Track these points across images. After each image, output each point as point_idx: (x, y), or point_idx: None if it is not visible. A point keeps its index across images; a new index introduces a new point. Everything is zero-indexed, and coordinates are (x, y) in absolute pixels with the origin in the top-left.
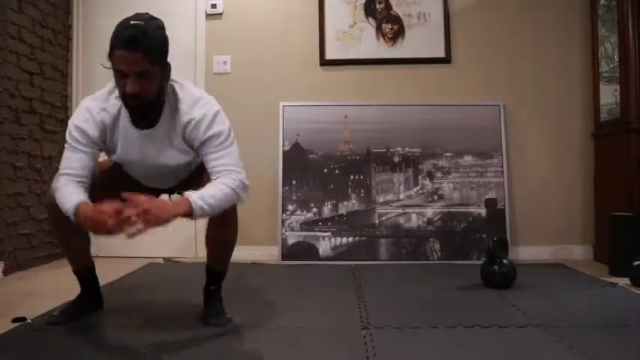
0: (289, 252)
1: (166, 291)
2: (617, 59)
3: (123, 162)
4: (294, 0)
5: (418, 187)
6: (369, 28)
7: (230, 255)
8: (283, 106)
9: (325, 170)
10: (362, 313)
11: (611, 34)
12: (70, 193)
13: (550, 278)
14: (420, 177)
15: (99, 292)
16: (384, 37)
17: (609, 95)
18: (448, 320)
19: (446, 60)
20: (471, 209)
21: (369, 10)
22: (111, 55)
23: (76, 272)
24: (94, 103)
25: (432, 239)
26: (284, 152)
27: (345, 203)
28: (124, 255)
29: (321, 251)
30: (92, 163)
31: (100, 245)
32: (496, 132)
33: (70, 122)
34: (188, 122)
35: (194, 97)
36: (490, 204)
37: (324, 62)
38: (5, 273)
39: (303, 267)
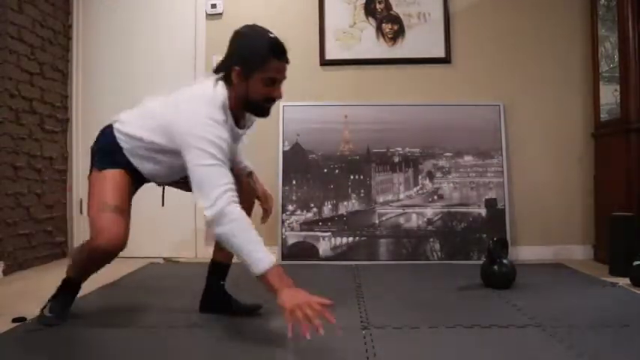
0: (289, 252)
1: (166, 291)
2: (617, 59)
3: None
4: (294, 0)
5: (418, 187)
6: (369, 28)
7: None
8: (283, 106)
9: (325, 170)
10: (362, 313)
11: (611, 34)
12: (256, 237)
13: (550, 278)
14: (420, 177)
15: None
16: (384, 37)
17: (609, 95)
18: (448, 320)
19: (446, 60)
20: (471, 209)
21: (369, 10)
22: (262, 64)
23: (72, 280)
24: (219, 112)
25: (432, 239)
26: (284, 152)
27: (345, 203)
28: (124, 255)
29: (321, 251)
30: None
31: None
32: (496, 132)
33: (201, 137)
34: (254, 121)
35: None
36: (490, 204)
37: (324, 62)
38: (5, 273)
39: (303, 267)
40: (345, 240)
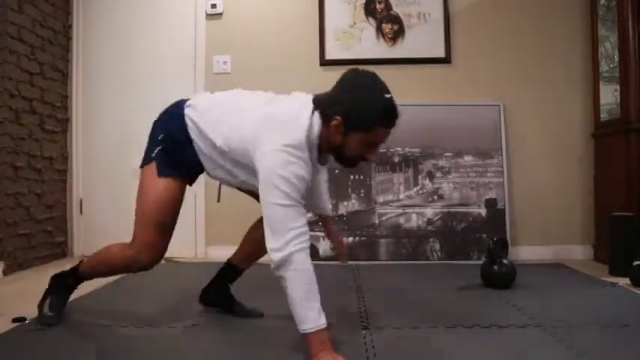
0: None
1: (166, 291)
2: (617, 59)
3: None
4: (294, 0)
5: (418, 187)
6: (369, 28)
7: (259, 257)
8: None
9: None
10: (362, 313)
11: (611, 34)
12: (314, 293)
13: (550, 278)
14: (420, 177)
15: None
16: (384, 37)
17: (609, 95)
18: (448, 320)
19: (446, 60)
20: (471, 209)
21: (369, 10)
22: (368, 129)
23: (82, 278)
24: (306, 147)
25: (432, 239)
26: None
27: (345, 203)
28: None
29: (321, 251)
30: None
31: (99, 245)
32: (496, 132)
33: (285, 173)
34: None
35: None
36: (490, 204)
37: (324, 62)
38: (5, 273)
39: None
40: (345, 240)
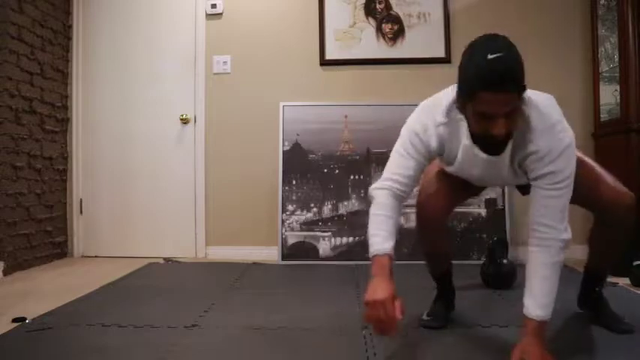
0: (289, 252)
1: (166, 291)
2: (617, 59)
3: (456, 173)
4: (294, 0)
5: (418, 187)
6: (369, 28)
7: (615, 256)
8: (283, 106)
9: (325, 170)
10: (362, 313)
11: (611, 34)
12: (383, 223)
13: None
14: (420, 177)
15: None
16: (384, 37)
17: (609, 95)
18: (448, 320)
19: (446, 60)
20: (471, 209)
21: (369, 10)
22: (470, 96)
23: (435, 278)
24: (436, 114)
25: None
26: (284, 152)
27: (345, 203)
28: (124, 255)
29: (321, 251)
30: (419, 174)
31: (99, 245)
32: None
33: (407, 128)
34: (532, 153)
35: (548, 123)
36: (490, 204)
37: (324, 62)
38: (5, 273)
39: (303, 267)
40: (345, 240)
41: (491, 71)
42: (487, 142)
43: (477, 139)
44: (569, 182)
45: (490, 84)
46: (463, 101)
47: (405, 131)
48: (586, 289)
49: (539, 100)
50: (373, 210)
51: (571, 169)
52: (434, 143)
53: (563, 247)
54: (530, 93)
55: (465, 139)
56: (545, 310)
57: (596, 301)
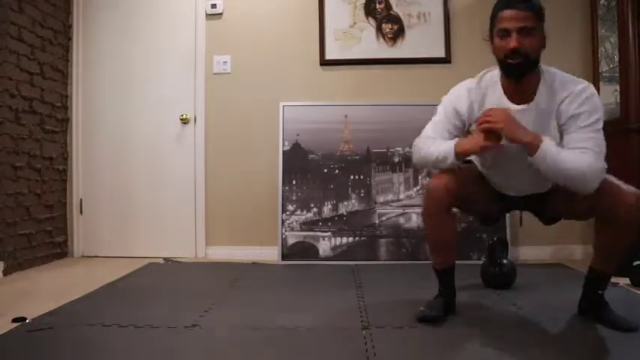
0: (289, 252)
1: (166, 291)
2: (617, 59)
3: (485, 167)
4: (294, 0)
5: (418, 187)
6: (369, 28)
7: (619, 257)
8: (283, 106)
9: (325, 170)
10: (362, 313)
11: (611, 34)
12: (438, 143)
13: (550, 278)
14: (420, 177)
15: (454, 293)
16: (384, 37)
17: (609, 95)
18: (448, 320)
19: (446, 60)
20: None
21: (369, 10)
22: (495, 20)
23: (437, 272)
24: (470, 82)
25: None
26: (284, 152)
27: (345, 203)
28: (124, 255)
29: (321, 251)
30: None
31: (99, 245)
32: None
33: (443, 100)
34: (565, 97)
35: (568, 77)
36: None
37: (324, 62)
38: (5, 273)
39: (303, 267)
40: (345, 240)
41: None
42: (509, 65)
43: (503, 69)
44: (601, 126)
45: (507, 3)
46: (491, 32)
47: (444, 99)
48: (588, 293)
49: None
50: (424, 143)
51: (601, 115)
52: (463, 107)
53: (594, 170)
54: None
55: (496, 95)
56: (548, 148)
57: (598, 304)
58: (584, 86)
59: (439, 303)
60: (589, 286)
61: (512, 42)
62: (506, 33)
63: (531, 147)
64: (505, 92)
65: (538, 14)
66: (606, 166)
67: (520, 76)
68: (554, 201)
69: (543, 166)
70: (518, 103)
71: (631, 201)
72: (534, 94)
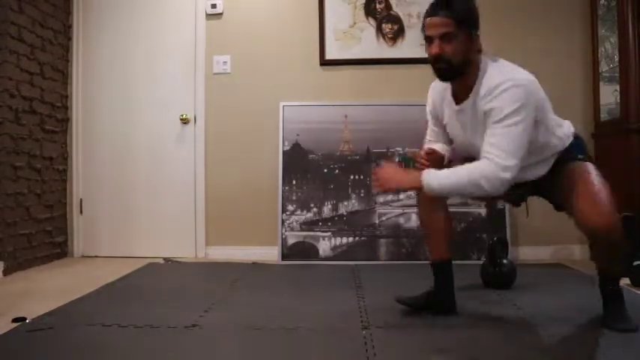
0: (289, 252)
1: (166, 291)
2: (617, 59)
3: (452, 138)
4: (294, 0)
5: None
6: (369, 28)
7: (616, 257)
8: (283, 106)
9: (325, 170)
10: (362, 313)
11: (611, 34)
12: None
13: (550, 278)
14: None
15: (451, 293)
16: (384, 37)
17: (609, 95)
18: (448, 320)
19: None
20: (471, 209)
21: (369, 10)
22: (423, 26)
23: (433, 267)
24: (435, 83)
25: None
26: (284, 152)
27: (345, 203)
28: (124, 255)
29: (321, 251)
30: (444, 136)
31: (99, 245)
32: None
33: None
34: (484, 93)
35: (500, 70)
36: (490, 204)
37: (324, 62)
38: (5, 273)
39: (303, 267)
40: (345, 240)
41: (431, 4)
42: (435, 70)
43: (437, 75)
44: (515, 120)
45: (428, 12)
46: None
47: None
48: (603, 289)
49: (506, 62)
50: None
51: (516, 108)
52: (429, 106)
53: (487, 179)
54: (508, 65)
55: (448, 94)
56: (429, 181)
57: (607, 297)
58: (502, 79)
59: (423, 294)
60: (601, 283)
61: (434, 48)
62: (429, 40)
63: (417, 189)
64: (452, 93)
65: (458, 20)
66: (514, 164)
67: (448, 79)
68: (553, 188)
69: (440, 194)
70: (457, 102)
71: (595, 225)
72: (469, 92)
